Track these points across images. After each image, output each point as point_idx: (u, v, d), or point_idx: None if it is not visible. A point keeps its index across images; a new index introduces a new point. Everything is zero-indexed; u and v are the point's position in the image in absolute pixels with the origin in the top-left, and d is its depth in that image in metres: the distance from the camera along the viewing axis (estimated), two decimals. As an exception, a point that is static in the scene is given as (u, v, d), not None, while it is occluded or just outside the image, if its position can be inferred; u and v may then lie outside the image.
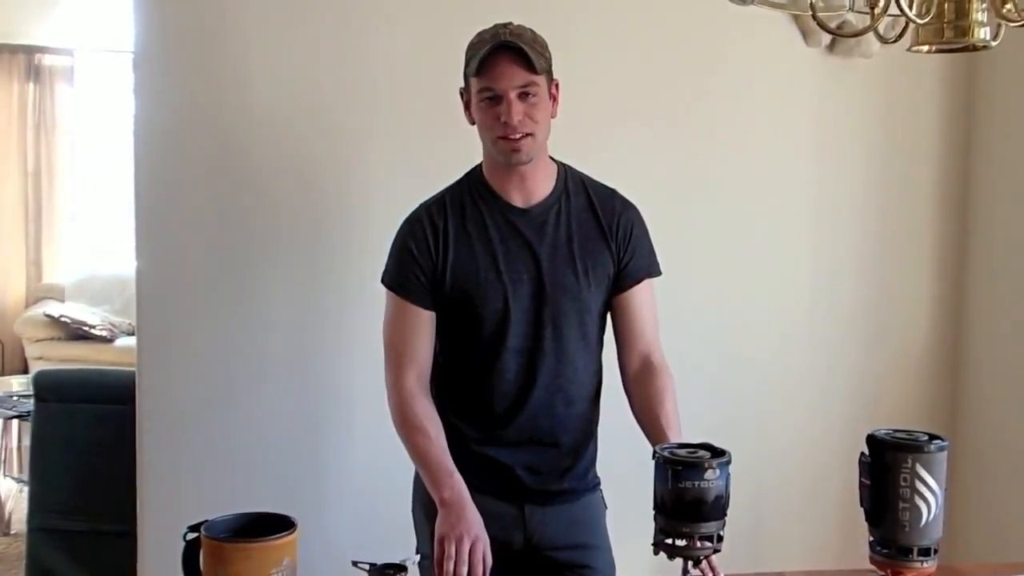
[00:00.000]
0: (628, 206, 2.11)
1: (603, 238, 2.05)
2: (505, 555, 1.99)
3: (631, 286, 2.07)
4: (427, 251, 2.01)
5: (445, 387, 2.09)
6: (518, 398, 2.02)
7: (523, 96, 1.91)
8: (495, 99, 1.92)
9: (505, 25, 1.94)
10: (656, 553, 1.79)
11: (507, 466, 2.04)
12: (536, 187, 2.03)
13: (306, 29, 2.68)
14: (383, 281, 2.06)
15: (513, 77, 1.90)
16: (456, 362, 2.08)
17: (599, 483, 2.16)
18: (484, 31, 1.96)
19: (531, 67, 1.90)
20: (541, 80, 1.93)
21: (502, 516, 2.01)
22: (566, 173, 2.08)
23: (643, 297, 2.09)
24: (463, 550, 1.80)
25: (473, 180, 2.07)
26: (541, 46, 1.95)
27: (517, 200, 2.02)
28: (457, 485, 1.90)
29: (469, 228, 2.02)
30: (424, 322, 2.02)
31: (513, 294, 1.99)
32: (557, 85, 2.00)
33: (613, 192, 2.11)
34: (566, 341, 2.03)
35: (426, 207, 2.06)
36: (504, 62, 1.90)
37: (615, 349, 2.13)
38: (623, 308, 2.08)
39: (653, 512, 1.64)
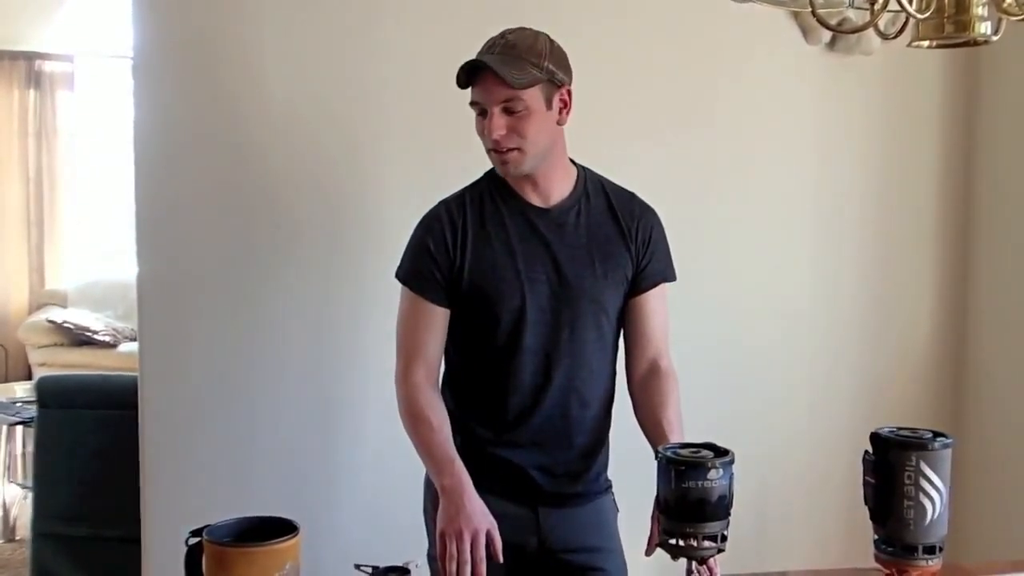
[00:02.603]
0: (647, 210, 2.10)
1: (622, 240, 2.04)
2: (518, 557, 1.98)
3: (646, 290, 2.06)
4: (444, 248, 2.00)
5: (460, 387, 2.08)
6: (533, 399, 2.01)
7: (508, 110, 1.90)
8: (481, 112, 1.92)
9: (503, 35, 1.92)
10: (648, 554, 1.80)
11: (521, 468, 2.03)
12: (552, 189, 2.02)
13: (311, 32, 2.68)
14: (398, 276, 2.05)
15: (493, 93, 1.89)
16: (471, 361, 2.07)
17: (611, 486, 2.15)
18: (489, 39, 1.94)
19: (510, 84, 1.88)
20: (528, 94, 1.89)
21: (516, 519, 2.00)
22: (585, 175, 2.07)
23: (656, 302, 2.08)
24: (464, 548, 1.78)
25: (493, 179, 2.06)
26: (537, 56, 1.90)
27: (536, 201, 2.02)
28: (458, 472, 1.88)
29: (488, 226, 2.01)
30: (438, 319, 2.02)
31: (531, 294, 1.98)
32: (569, 92, 1.97)
33: (632, 195, 2.11)
34: (583, 342, 2.02)
35: (445, 204, 2.05)
36: (486, 77, 1.89)
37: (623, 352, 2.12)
38: (635, 312, 2.07)
39: (656, 512, 1.64)
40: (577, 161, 2.10)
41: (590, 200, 2.05)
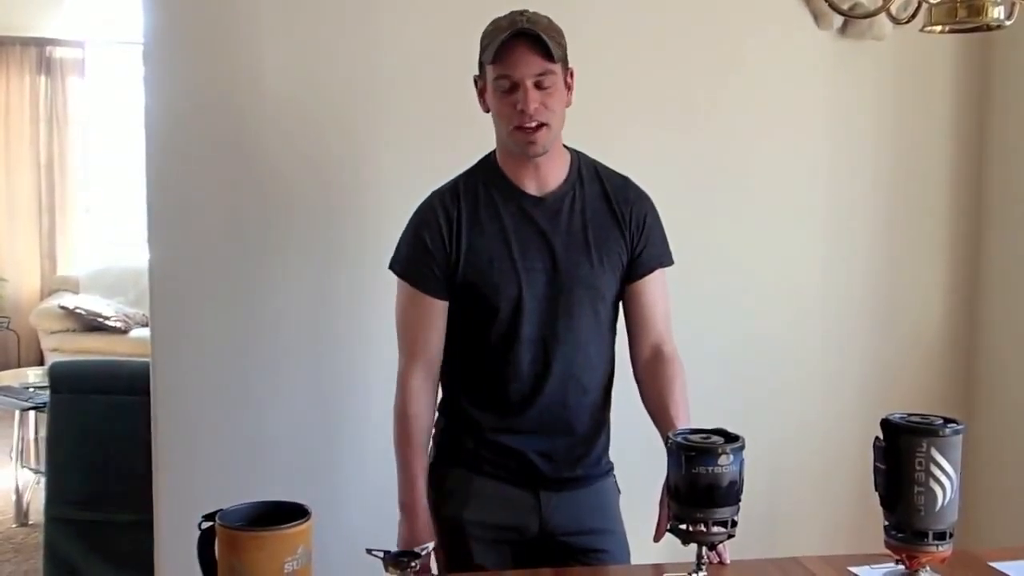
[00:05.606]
0: (641, 195, 2.10)
1: (617, 226, 2.04)
2: (520, 541, 2.01)
3: (643, 275, 2.06)
4: (440, 241, 1.99)
5: (459, 375, 2.08)
6: (533, 387, 2.01)
7: (539, 85, 1.90)
8: (511, 87, 1.91)
9: (521, 12, 1.93)
10: (656, 539, 1.81)
11: (521, 453, 2.03)
12: (550, 175, 2.02)
13: (317, 19, 2.68)
14: (394, 269, 2.05)
15: (530, 65, 1.89)
16: (470, 351, 2.06)
17: (612, 468, 2.15)
18: (500, 18, 1.94)
19: (548, 55, 1.89)
20: (557, 68, 1.92)
21: (517, 502, 2.02)
22: (579, 160, 2.07)
23: (655, 287, 2.08)
24: None
25: (487, 168, 2.06)
26: (558, 33, 1.94)
27: (531, 188, 2.01)
28: (416, 495, 1.97)
29: (482, 217, 2.00)
30: (436, 312, 2.02)
31: (527, 283, 1.98)
32: (572, 73, 1.98)
33: (626, 180, 2.10)
34: (580, 330, 2.02)
35: (439, 195, 2.05)
36: (521, 49, 1.89)
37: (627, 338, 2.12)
38: (635, 298, 2.07)
39: (665, 497, 1.64)
40: (583, 147, 2.10)
41: (584, 186, 2.04)
